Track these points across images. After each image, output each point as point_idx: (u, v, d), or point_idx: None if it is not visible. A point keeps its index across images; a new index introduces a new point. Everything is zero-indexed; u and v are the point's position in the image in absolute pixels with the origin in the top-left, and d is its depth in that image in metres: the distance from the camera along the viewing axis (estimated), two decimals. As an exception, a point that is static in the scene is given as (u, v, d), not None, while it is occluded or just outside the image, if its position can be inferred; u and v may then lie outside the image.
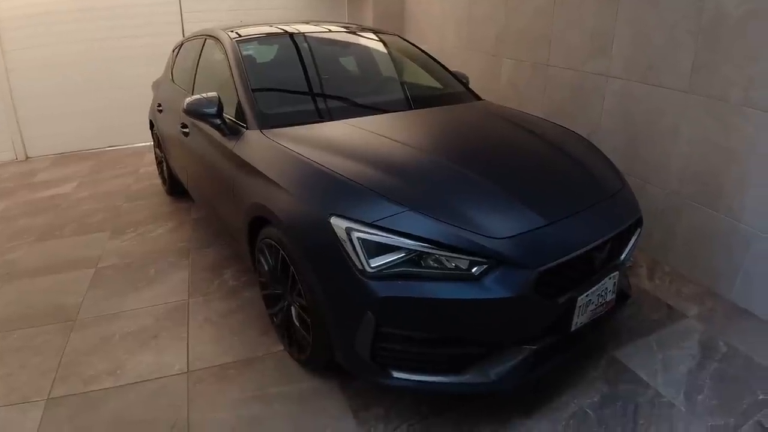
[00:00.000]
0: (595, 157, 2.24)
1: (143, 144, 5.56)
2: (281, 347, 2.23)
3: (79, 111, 5.47)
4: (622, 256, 1.93)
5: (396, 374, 1.68)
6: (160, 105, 3.73)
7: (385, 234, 1.58)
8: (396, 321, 1.61)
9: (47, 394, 2.04)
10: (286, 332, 2.12)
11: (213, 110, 2.31)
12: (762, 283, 2.32)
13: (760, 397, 1.90)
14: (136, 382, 2.10)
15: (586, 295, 1.73)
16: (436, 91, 2.90)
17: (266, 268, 2.11)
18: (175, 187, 3.95)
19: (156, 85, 4.13)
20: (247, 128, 2.28)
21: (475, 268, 1.57)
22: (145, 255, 3.17)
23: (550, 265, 1.60)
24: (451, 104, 2.69)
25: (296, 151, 2.00)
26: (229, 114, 2.41)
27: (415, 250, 1.57)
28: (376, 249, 1.58)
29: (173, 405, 1.97)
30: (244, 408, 1.94)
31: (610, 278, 1.82)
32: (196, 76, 3.11)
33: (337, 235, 1.63)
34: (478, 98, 2.88)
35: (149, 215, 3.81)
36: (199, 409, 1.94)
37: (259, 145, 2.16)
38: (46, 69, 5.27)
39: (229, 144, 2.32)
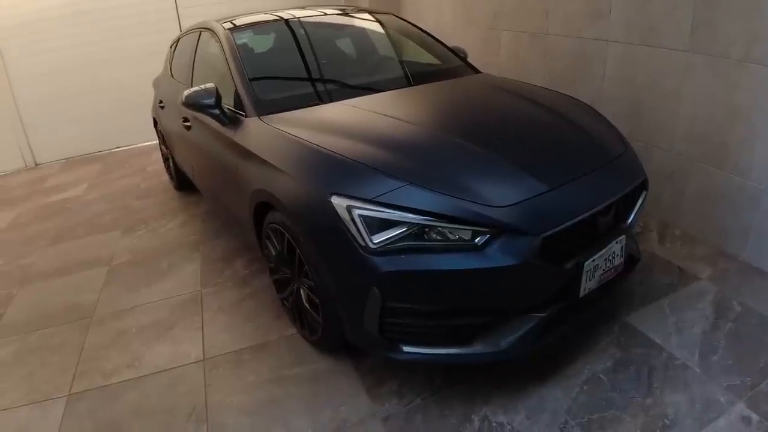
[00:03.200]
0: (596, 121, 2.21)
1: (149, 143, 5.60)
2: (294, 330, 2.26)
3: (84, 115, 5.51)
4: (629, 220, 1.91)
5: (406, 348, 1.70)
6: (161, 102, 3.75)
7: (385, 209, 1.58)
8: (402, 295, 1.62)
9: (68, 390, 2.09)
10: (298, 315, 2.14)
11: (211, 101, 2.31)
12: (775, 240, 2.29)
13: (777, 355, 1.89)
14: (154, 373, 2.14)
15: (593, 260, 1.72)
16: (434, 67, 2.88)
17: (273, 253, 2.13)
18: (182, 182, 3.98)
19: (156, 83, 4.14)
20: (245, 116, 2.29)
21: (477, 238, 1.57)
22: (157, 250, 3.21)
23: (553, 230, 1.59)
24: (449, 79, 2.66)
25: (294, 134, 2.00)
26: (227, 103, 2.42)
27: (417, 224, 1.57)
28: (378, 225, 1.58)
29: (191, 392, 2.01)
30: (261, 391, 1.97)
31: (617, 242, 1.81)
32: (194, 69, 3.11)
33: (338, 214, 1.64)
34: (477, 71, 2.85)
35: (159, 211, 3.85)
36: (217, 395, 1.98)
37: (258, 132, 2.17)
38: (48, 75, 5.30)
39: (229, 133, 2.33)
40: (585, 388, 1.83)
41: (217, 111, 2.34)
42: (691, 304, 2.21)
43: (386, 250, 1.57)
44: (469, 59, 3.02)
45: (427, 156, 1.79)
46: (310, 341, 2.13)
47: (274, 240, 2.08)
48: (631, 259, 2.10)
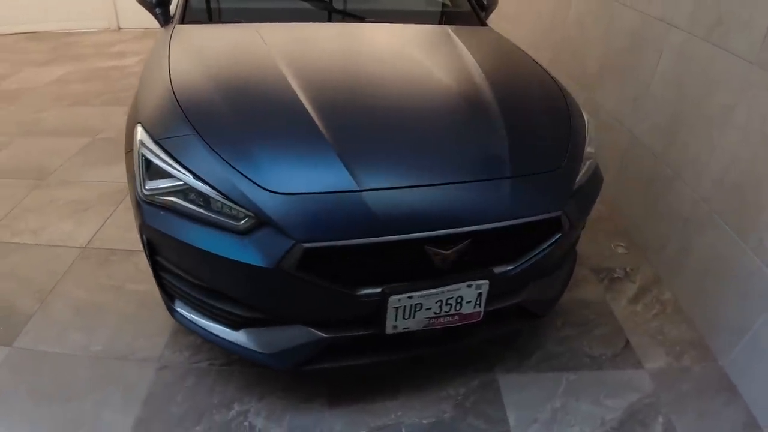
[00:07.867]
0: (551, 125, 1.63)
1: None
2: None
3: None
4: (509, 267, 1.42)
5: (179, 309, 1.53)
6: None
7: (162, 156, 1.35)
8: (165, 255, 1.44)
9: (-22, 237, 2.26)
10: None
11: None
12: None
13: None
14: (44, 245, 2.24)
15: (410, 297, 1.32)
16: (429, 5, 2.35)
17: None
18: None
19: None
20: (173, 21, 2.12)
21: (244, 220, 1.28)
22: (141, 134, 3.29)
23: (324, 243, 1.23)
24: (427, 24, 2.17)
25: (172, 50, 1.79)
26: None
27: (182, 182, 1.32)
28: (154, 171, 1.37)
29: (53, 273, 2.07)
30: (99, 295, 1.97)
31: (469, 286, 1.35)
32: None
33: (134, 146, 1.45)
34: (483, 24, 2.28)
35: (176, 99, 3.92)
36: (68, 284, 2.02)
37: (163, 42, 1.98)
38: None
39: (163, 39, 2.18)
40: (372, 435, 1.50)
41: (158, 10, 2.18)
42: (600, 395, 1.65)
43: (154, 201, 1.36)
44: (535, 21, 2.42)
45: (251, 111, 1.48)
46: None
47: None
48: (524, 313, 1.62)
